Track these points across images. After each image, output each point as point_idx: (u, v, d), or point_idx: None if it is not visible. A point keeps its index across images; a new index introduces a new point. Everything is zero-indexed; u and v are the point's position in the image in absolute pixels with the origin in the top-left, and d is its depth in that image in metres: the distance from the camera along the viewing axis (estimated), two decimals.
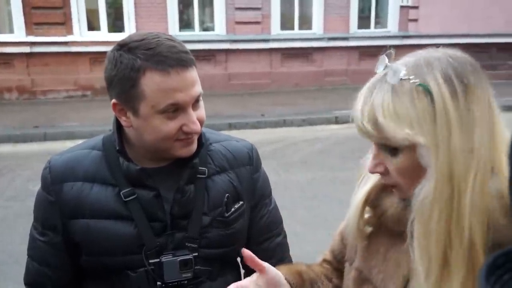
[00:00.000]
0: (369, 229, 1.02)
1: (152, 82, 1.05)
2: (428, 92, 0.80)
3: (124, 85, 1.07)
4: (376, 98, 0.84)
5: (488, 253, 0.79)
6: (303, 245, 3.49)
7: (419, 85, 0.80)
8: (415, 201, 0.83)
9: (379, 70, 0.87)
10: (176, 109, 1.08)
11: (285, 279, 1.09)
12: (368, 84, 0.88)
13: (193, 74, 1.09)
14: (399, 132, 0.80)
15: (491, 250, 0.79)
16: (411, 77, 0.81)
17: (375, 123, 0.83)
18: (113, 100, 1.12)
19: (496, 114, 0.84)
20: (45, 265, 1.22)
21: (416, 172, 0.83)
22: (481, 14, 11.58)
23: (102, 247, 1.16)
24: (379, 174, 0.92)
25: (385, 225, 0.97)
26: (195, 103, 1.11)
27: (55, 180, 1.18)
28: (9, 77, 9.69)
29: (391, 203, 0.94)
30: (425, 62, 0.83)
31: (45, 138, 7.29)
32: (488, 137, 0.81)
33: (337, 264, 1.19)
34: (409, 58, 0.87)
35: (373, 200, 0.98)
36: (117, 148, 1.17)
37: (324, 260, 1.23)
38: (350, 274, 1.07)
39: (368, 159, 0.99)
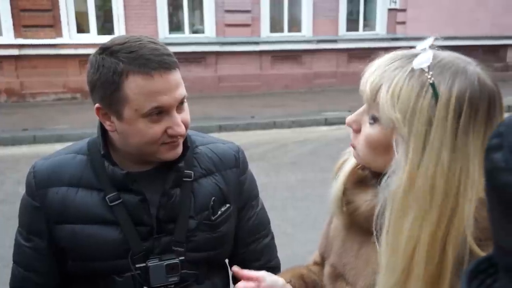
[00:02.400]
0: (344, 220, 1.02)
1: (135, 86, 1.04)
2: (436, 96, 0.79)
3: (107, 89, 1.06)
4: (391, 70, 0.84)
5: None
6: (294, 245, 3.52)
7: (431, 84, 0.79)
8: (384, 191, 0.84)
9: (419, 47, 0.86)
10: (160, 112, 1.07)
11: (290, 283, 1.10)
12: (391, 54, 0.88)
13: (176, 76, 1.08)
14: (390, 111, 0.81)
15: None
16: (430, 73, 0.80)
17: (377, 89, 0.84)
18: (97, 105, 1.11)
19: None
20: (31, 270, 1.20)
21: (380, 149, 0.85)
22: (468, 16, 11.73)
23: (88, 252, 1.15)
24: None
25: (358, 222, 0.98)
26: (180, 105, 1.11)
27: (39, 185, 1.17)
28: None
29: (363, 200, 0.95)
30: (455, 69, 0.81)
31: (34, 141, 7.25)
32: (479, 174, 0.79)
33: (323, 263, 1.19)
34: (449, 54, 0.85)
35: (347, 196, 0.99)
36: (102, 152, 1.16)
37: (315, 262, 1.23)
38: (326, 270, 1.09)
39: (345, 153, 1.02)
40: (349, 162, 1.02)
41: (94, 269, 1.16)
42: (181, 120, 1.10)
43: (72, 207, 1.15)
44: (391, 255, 0.83)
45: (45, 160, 1.22)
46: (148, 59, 1.04)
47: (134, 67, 1.03)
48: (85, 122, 7.89)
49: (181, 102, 1.11)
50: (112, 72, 1.04)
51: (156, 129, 1.08)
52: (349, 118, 0.92)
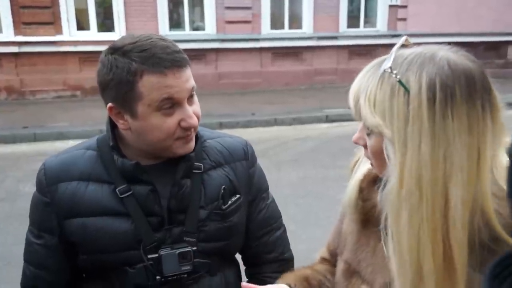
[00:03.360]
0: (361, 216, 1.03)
1: (149, 84, 1.06)
2: (407, 91, 0.80)
3: (121, 89, 1.07)
4: (365, 80, 0.86)
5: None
6: (296, 242, 3.51)
7: (399, 82, 0.81)
8: (382, 194, 0.85)
9: (394, 48, 0.87)
10: (172, 105, 1.09)
11: (294, 286, 1.10)
12: (374, 61, 0.90)
13: (187, 72, 1.11)
14: (372, 118, 0.83)
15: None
16: (394, 72, 0.81)
17: (356, 102, 0.87)
18: (109, 104, 1.12)
19: (486, 134, 0.80)
20: (42, 268, 1.22)
21: (382, 157, 0.86)
22: (470, 13, 11.71)
23: (100, 245, 1.16)
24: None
25: (374, 219, 0.98)
26: (190, 98, 1.12)
27: (50, 181, 1.18)
28: None
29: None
30: (421, 60, 0.82)
31: (35, 138, 7.23)
32: (465, 156, 0.78)
33: (334, 260, 1.19)
34: (415, 50, 0.85)
35: (364, 193, 1.00)
36: (111, 144, 1.17)
37: (322, 258, 1.23)
38: (339, 267, 1.09)
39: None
40: (365, 164, 1.02)
41: (106, 262, 1.17)
42: (192, 112, 1.12)
43: (83, 201, 1.16)
44: (399, 259, 0.83)
45: (55, 157, 1.23)
46: (161, 58, 1.06)
47: (148, 67, 1.05)
48: (85, 119, 7.91)
49: (191, 95, 1.13)
50: (126, 72, 1.06)
51: (169, 123, 1.10)
52: (354, 136, 0.95)
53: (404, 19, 11.66)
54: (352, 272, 1.03)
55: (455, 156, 0.78)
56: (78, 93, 9.94)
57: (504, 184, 0.79)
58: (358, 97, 0.86)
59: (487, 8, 11.84)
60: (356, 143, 0.95)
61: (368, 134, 0.89)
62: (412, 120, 0.79)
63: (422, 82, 0.79)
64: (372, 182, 1.00)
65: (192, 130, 1.15)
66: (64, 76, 9.85)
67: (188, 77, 1.10)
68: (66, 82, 9.91)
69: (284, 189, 4.97)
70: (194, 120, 1.12)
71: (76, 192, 1.17)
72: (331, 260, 1.20)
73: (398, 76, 0.81)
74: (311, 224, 4.16)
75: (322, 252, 1.24)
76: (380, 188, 0.87)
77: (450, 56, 0.82)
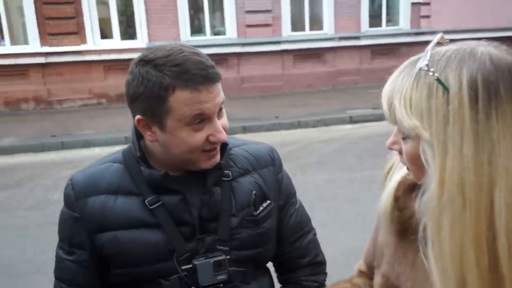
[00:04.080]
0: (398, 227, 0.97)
1: (180, 99, 1.04)
2: (446, 90, 0.74)
3: (152, 102, 1.06)
4: (399, 81, 0.82)
5: None
6: (323, 246, 3.47)
7: (437, 80, 0.75)
8: (420, 202, 0.80)
9: (429, 47, 0.83)
10: (202, 120, 1.07)
11: None
12: (405, 62, 0.85)
13: (219, 87, 1.09)
14: (408, 120, 0.78)
15: None
16: (431, 69, 0.76)
17: (390, 105, 0.82)
18: (138, 116, 1.10)
19: None
20: (74, 284, 1.20)
21: (420, 162, 0.80)
22: (493, 8, 11.44)
23: (132, 258, 1.15)
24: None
25: (413, 228, 0.92)
26: (219, 111, 1.11)
27: (78, 195, 1.17)
28: (25, 87, 9.84)
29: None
30: (460, 56, 0.76)
31: (62, 147, 7.37)
32: (508, 155, 0.73)
33: (371, 273, 1.14)
34: (451, 47, 0.80)
35: (400, 202, 0.95)
36: (138, 155, 1.17)
37: (360, 271, 1.19)
38: (376, 280, 1.04)
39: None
40: (399, 170, 0.98)
41: (139, 275, 1.16)
42: (221, 125, 1.11)
43: (112, 214, 1.15)
44: (441, 271, 0.78)
45: (82, 172, 1.23)
46: (194, 74, 1.04)
47: (180, 82, 1.03)
48: (110, 127, 8.03)
49: (220, 108, 1.11)
50: (158, 87, 1.04)
51: (198, 137, 1.08)
52: (389, 141, 0.89)
53: (427, 17, 11.46)
54: (390, 287, 0.98)
55: (499, 159, 0.73)
56: (103, 100, 10.10)
57: None
58: (392, 99, 0.82)
59: (510, 3, 11.54)
60: (390, 148, 0.89)
61: (404, 138, 0.84)
62: (452, 121, 0.73)
63: (462, 79, 0.74)
64: (409, 189, 0.95)
65: (220, 143, 1.13)
66: (90, 85, 10.03)
67: (219, 91, 1.09)
68: (91, 91, 10.09)
69: (310, 192, 4.92)
70: (223, 136, 1.10)
71: (105, 206, 1.16)
72: (368, 273, 1.16)
73: (436, 74, 0.76)
74: (338, 227, 4.10)
75: (360, 264, 1.20)
76: (419, 196, 0.82)
77: (492, 51, 0.77)
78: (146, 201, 1.15)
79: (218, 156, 1.16)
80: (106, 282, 1.21)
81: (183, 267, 1.14)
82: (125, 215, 1.15)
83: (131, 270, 1.16)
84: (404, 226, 0.95)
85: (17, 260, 3.86)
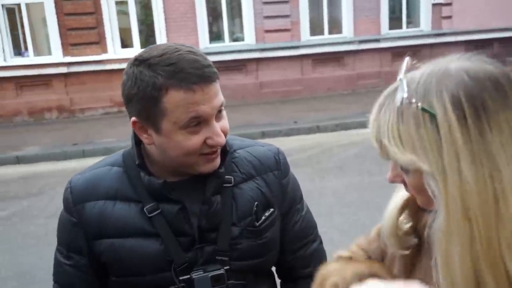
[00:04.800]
0: (413, 240, 0.92)
1: (174, 99, 1.01)
2: (433, 117, 0.71)
3: (146, 104, 1.03)
4: (383, 117, 0.78)
5: None
6: None
7: (422, 109, 0.72)
8: (429, 233, 0.76)
9: (400, 76, 0.79)
10: (198, 123, 1.04)
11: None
12: (381, 96, 0.81)
13: (216, 87, 1.05)
14: (402, 157, 0.74)
15: None
16: (413, 100, 0.73)
17: (380, 143, 0.78)
18: (133, 118, 1.08)
19: None
20: None
21: (428, 194, 0.76)
22: None
23: (130, 267, 1.12)
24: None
25: (428, 242, 0.87)
26: (218, 113, 1.07)
27: (76, 200, 1.15)
28: (49, 97, 10.05)
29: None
30: (437, 79, 0.73)
31: (83, 155, 7.49)
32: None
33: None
34: (424, 70, 0.77)
35: (416, 209, 0.90)
36: (137, 162, 1.13)
37: (352, 258, 1.09)
38: None
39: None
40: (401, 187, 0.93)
41: (136, 284, 1.13)
42: (220, 129, 1.06)
43: (110, 221, 1.13)
44: None
45: (81, 175, 1.20)
46: (189, 73, 1.00)
47: (174, 82, 1.00)
48: (130, 134, 8.10)
49: (220, 110, 1.07)
50: (151, 87, 1.01)
51: (195, 141, 1.04)
52: (389, 177, 0.85)
53: (449, 17, 11.26)
54: None
55: (503, 171, 0.69)
56: (124, 109, 10.20)
57: None
58: (380, 139, 0.78)
59: None
60: (392, 182, 0.85)
61: (406, 172, 0.80)
62: (446, 146, 0.70)
63: (445, 101, 0.71)
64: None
65: (218, 147, 1.09)
66: (111, 93, 10.17)
67: (216, 92, 1.05)
68: (112, 99, 10.23)
69: (329, 198, 4.86)
70: (222, 139, 1.06)
71: (103, 212, 1.13)
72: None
73: (419, 104, 0.72)
74: (357, 233, 4.01)
75: (352, 252, 1.10)
76: (428, 225, 0.78)
77: (465, 64, 0.74)
78: (145, 208, 1.12)
79: (218, 160, 1.12)
80: (106, 287, 1.19)
81: (181, 278, 1.11)
82: (123, 222, 1.12)
83: (129, 279, 1.14)
84: (421, 233, 0.90)
85: (35, 267, 3.91)
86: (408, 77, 0.77)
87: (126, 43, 10.41)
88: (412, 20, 11.62)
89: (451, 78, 0.72)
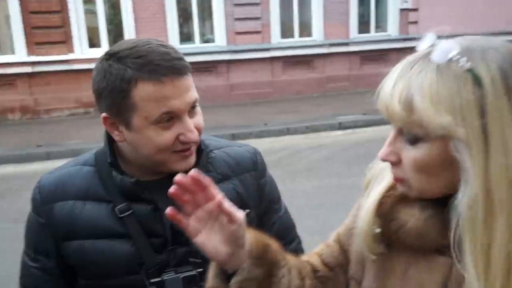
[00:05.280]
0: (380, 247, 0.89)
1: (144, 93, 0.98)
2: (478, 81, 0.69)
3: (115, 98, 1.00)
4: (415, 76, 0.73)
5: None
6: None
7: (469, 71, 0.69)
8: (457, 208, 0.72)
9: (422, 47, 0.77)
10: (170, 118, 1.01)
11: (249, 245, 0.91)
12: (404, 61, 0.77)
13: (188, 81, 1.02)
14: (437, 118, 0.70)
15: None
16: (461, 59, 0.70)
17: (409, 103, 0.72)
18: (103, 114, 1.05)
19: None
20: None
21: (437, 168, 0.74)
22: (481, 13, 11.53)
23: (99, 269, 1.09)
24: (390, 168, 0.83)
25: (402, 241, 0.85)
26: (191, 109, 1.04)
27: (45, 200, 1.11)
28: (12, 97, 9.73)
29: (411, 215, 0.82)
30: (481, 48, 0.72)
31: (48, 157, 7.27)
32: None
33: (325, 271, 1.04)
34: (463, 40, 0.75)
35: (387, 213, 0.87)
36: (109, 160, 1.10)
37: (307, 262, 1.07)
38: None
39: (376, 163, 0.91)
40: (378, 185, 0.90)
41: (107, 287, 1.10)
42: (193, 125, 1.04)
43: (80, 222, 1.09)
44: (485, 280, 0.71)
45: (51, 174, 1.16)
46: (158, 65, 0.98)
47: (143, 74, 0.98)
48: (99, 136, 7.83)
49: (193, 106, 1.04)
50: (120, 80, 0.99)
51: (167, 136, 1.02)
52: (383, 152, 0.80)
53: (415, 22, 11.52)
54: None
55: None
56: (91, 110, 10.01)
57: None
58: (410, 97, 0.72)
59: (499, 8, 11.64)
60: (385, 159, 0.81)
61: (414, 143, 0.76)
62: (491, 115, 0.68)
63: (492, 70, 0.70)
64: (396, 200, 0.86)
65: (192, 144, 1.06)
66: (78, 94, 9.93)
67: (188, 87, 1.02)
68: (79, 100, 9.99)
69: (299, 200, 4.87)
70: (195, 135, 1.03)
71: (73, 212, 1.10)
72: (321, 269, 1.03)
73: (468, 63, 0.70)
74: (327, 235, 4.04)
75: (310, 256, 1.06)
76: (451, 205, 0.74)
77: (508, 45, 0.74)
78: (116, 209, 1.08)
79: (193, 159, 1.09)
80: None
81: (152, 280, 1.08)
82: (93, 223, 1.09)
83: (99, 282, 1.10)
84: (391, 238, 0.87)
85: None
86: (443, 42, 0.75)
87: (93, 42, 10.19)
88: (380, 25, 11.83)
89: (497, 52, 0.72)
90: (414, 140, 0.75)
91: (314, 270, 1.04)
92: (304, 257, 1.09)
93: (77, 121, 9.51)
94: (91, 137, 7.97)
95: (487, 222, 0.70)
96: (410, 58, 0.77)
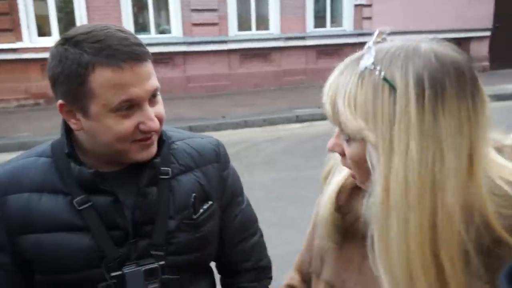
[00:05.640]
0: (337, 236, 0.93)
1: (102, 79, 0.95)
2: (393, 89, 0.72)
3: (71, 83, 0.97)
4: (343, 80, 0.77)
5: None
6: (271, 247, 3.44)
7: (385, 79, 0.73)
8: (366, 207, 0.77)
9: (367, 46, 0.80)
10: (130, 106, 0.98)
11: None
12: (345, 61, 0.81)
13: (148, 67, 1.00)
14: (353, 121, 0.75)
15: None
16: (377, 68, 0.74)
17: (334, 105, 0.78)
18: (60, 101, 1.01)
19: (478, 130, 0.74)
20: None
21: (364, 165, 0.78)
22: (432, 10, 11.97)
23: (57, 264, 1.05)
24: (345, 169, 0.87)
25: (358, 232, 0.88)
26: (152, 98, 1.02)
27: None
28: None
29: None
30: (405, 54, 0.74)
31: None
32: (456, 157, 0.71)
33: (308, 282, 1.08)
34: (395, 44, 0.78)
35: (343, 205, 0.90)
36: (67, 151, 1.06)
37: (289, 286, 1.12)
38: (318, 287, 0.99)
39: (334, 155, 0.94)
40: (339, 173, 0.93)
41: (65, 282, 1.06)
42: (154, 114, 1.01)
43: (36, 215, 1.05)
44: (390, 278, 0.75)
45: (3, 167, 1.11)
46: (117, 50, 0.95)
47: (101, 59, 0.94)
48: (49, 128, 7.64)
49: (154, 95, 1.02)
50: (77, 65, 0.95)
51: (126, 125, 0.99)
52: (330, 143, 0.84)
53: (369, 18, 11.80)
54: None
55: (446, 158, 0.71)
56: (41, 101, 9.64)
57: (501, 182, 0.74)
58: (335, 101, 0.77)
59: (448, 4, 12.13)
60: (331, 150, 0.85)
61: (348, 140, 0.80)
62: (398, 121, 0.71)
63: (408, 77, 0.71)
64: (352, 193, 0.90)
65: (153, 133, 1.04)
66: (27, 84, 9.53)
67: (148, 74, 1.00)
68: (28, 91, 9.59)
69: (257, 192, 4.89)
70: (155, 124, 1.01)
71: (28, 205, 1.05)
72: (303, 284, 1.09)
73: (382, 73, 0.73)
74: (286, 227, 4.10)
75: (290, 279, 1.13)
76: (365, 200, 0.78)
77: (435, 47, 0.75)
78: (74, 201, 1.05)
79: (154, 149, 1.07)
80: (32, 286, 1.11)
81: (112, 274, 1.06)
82: (50, 216, 1.05)
83: (56, 277, 1.06)
84: (349, 230, 0.91)
85: None
86: (377, 47, 0.77)
87: (43, 31, 9.77)
88: (336, 20, 12.03)
89: (419, 57, 0.73)
90: (348, 137, 0.79)
91: None
92: (290, 282, 1.13)
93: (26, 113, 9.13)
94: (41, 130, 7.69)
95: (384, 223, 0.74)
96: (348, 59, 0.81)
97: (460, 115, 0.72)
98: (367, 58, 0.75)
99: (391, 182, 0.72)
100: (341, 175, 0.93)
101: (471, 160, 0.73)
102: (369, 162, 0.75)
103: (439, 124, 0.71)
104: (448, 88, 0.71)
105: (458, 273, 0.72)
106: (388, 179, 0.72)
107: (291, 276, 1.13)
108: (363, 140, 0.76)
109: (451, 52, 0.75)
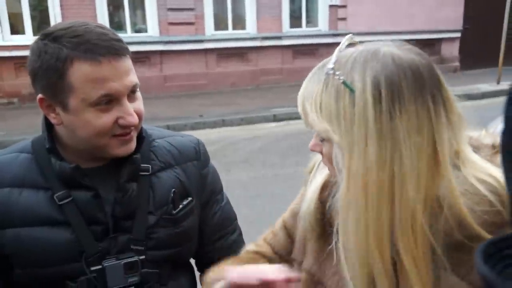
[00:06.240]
0: (317, 228, 0.97)
1: (81, 73, 0.97)
2: (352, 92, 0.75)
3: (50, 77, 0.99)
4: (310, 84, 0.82)
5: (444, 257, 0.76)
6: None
7: (344, 83, 0.76)
8: (332, 200, 0.83)
9: (337, 50, 0.84)
10: (109, 101, 1.00)
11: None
12: (318, 65, 0.85)
13: (127, 63, 1.02)
14: (319, 123, 0.79)
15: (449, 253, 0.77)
16: (337, 73, 0.77)
17: (304, 109, 0.83)
18: (39, 95, 1.03)
19: (442, 130, 0.75)
20: None
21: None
22: (404, 12, 12.22)
23: (37, 258, 1.06)
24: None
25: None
26: (131, 94, 1.04)
27: None
28: None
29: None
30: (364, 58, 0.77)
31: None
32: (416, 157, 0.74)
33: (278, 261, 1.09)
34: (357, 49, 0.81)
35: (325, 200, 0.94)
36: (47, 146, 1.08)
37: (260, 254, 1.13)
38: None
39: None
40: (321, 171, 0.98)
41: (45, 276, 1.08)
42: (134, 110, 1.04)
43: (16, 210, 1.06)
44: (350, 267, 0.80)
45: None
46: (95, 44, 0.97)
47: (79, 53, 0.96)
48: (23, 128, 7.51)
49: (133, 91, 1.05)
50: (55, 59, 0.97)
51: (105, 119, 1.01)
52: (311, 144, 0.89)
53: (344, 19, 11.96)
54: (316, 283, 0.97)
55: (404, 157, 0.74)
56: (15, 100, 9.44)
57: (475, 181, 0.77)
58: (305, 104, 0.82)
59: (421, 6, 12.39)
60: (312, 150, 0.89)
61: (322, 141, 0.85)
62: (357, 122, 0.75)
63: (366, 80, 0.75)
64: (334, 187, 0.93)
65: (132, 128, 1.06)
66: (0, 83, 9.35)
67: (127, 70, 1.02)
68: (1, 89, 9.37)
69: (235, 190, 4.95)
70: (134, 118, 1.03)
71: (8, 200, 1.06)
72: (273, 259, 1.09)
73: (342, 77, 0.77)
74: (264, 225, 4.13)
75: (259, 246, 1.13)
76: (331, 195, 0.84)
77: (394, 51, 0.78)
78: (54, 196, 1.06)
79: (133, 144, 1.09)
80: (10, 281, 1.12)
81: (92, 268, 1.08)
82: (31, 211, 1.06)
83: (35, 271, 1.08)
84: (329, 223, 0.94)
85: None
86: (342, 52, 0.82)
87: (16, 29, 9.58)
88: (311, 20, 12.14)
89: (378, 60, 0.76)
90: (322, 138, 0.85)
91: (269, 260, 1.10)
92: (253, 247, 1.14)
93: None
94: (15, 129, 7.55)
95: (345, 218, 0.79)
96: (317, 66, 0.86)
97: (419, 117, 0.74)
98: (330, 64, 0.80)
99: (351, 179, 0.77)
100: (323, 173, 0.98)
101: (436, 159, 0.75)
102: (334, 161, 0.80)
103: (396, 125, 0.74)
104: (405, 90, 0.74)
105: (420, 266, 0.76)
106: (348, 176, 0.77)
107: (259, 244, 1.14)
108: (330, 140, 0.81)
109: (410, 55, 0.77)
